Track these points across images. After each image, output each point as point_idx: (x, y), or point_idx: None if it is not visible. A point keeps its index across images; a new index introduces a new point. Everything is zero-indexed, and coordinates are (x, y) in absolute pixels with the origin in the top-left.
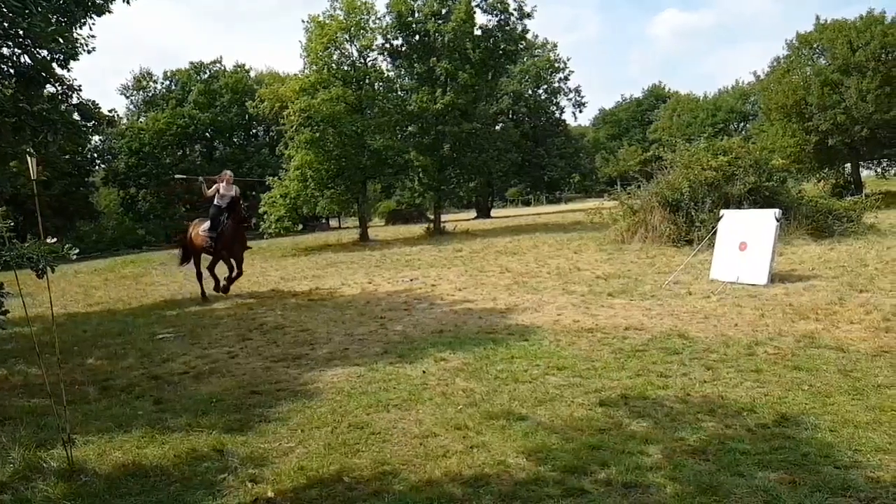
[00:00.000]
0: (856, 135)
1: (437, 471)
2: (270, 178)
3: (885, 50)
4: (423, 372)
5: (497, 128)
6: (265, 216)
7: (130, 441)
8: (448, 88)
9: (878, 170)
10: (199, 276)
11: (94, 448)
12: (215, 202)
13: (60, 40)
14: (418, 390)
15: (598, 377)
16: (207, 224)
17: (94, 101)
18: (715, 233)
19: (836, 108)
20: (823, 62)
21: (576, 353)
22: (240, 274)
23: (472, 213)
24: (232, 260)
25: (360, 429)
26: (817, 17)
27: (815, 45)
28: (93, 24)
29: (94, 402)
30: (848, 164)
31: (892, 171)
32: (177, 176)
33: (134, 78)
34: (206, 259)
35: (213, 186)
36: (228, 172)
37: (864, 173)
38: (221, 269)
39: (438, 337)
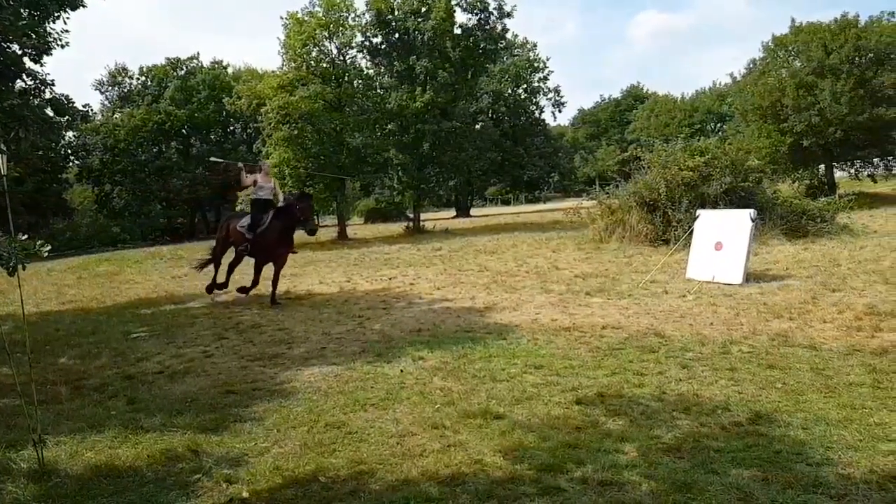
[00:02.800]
0: (830, 136)
1: (414, 470)
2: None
3: (859, 53)
4: (401, 371)
5: (477, 127)
6: None
7: (103, 441)
8: (428, 87)
9: (852, 171)
10: (211, 265)
11: (66, 449)
12: (255, 195)
13: (32, 34)
14: (396, 389)
15: (576, 376)
16: (247, 220)
17: (67, 96)
18: (691, 232)
19: (810, 110)
20: (798, 64)
21: (553, 351)
22: (255, 283)
23: (452, 212)
24: (266, 266)
25: (337, 428)
26: (792, 20)
27: (790, 48)
28: (67, 18)
29: (67, 402)
30: (822, 166)
31: (865, 173)
32: (212, 159)
33: (109, 73)
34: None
35: (251, 177)
36: (267, 163)
37: (838, 174)
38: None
39: (416, 336)
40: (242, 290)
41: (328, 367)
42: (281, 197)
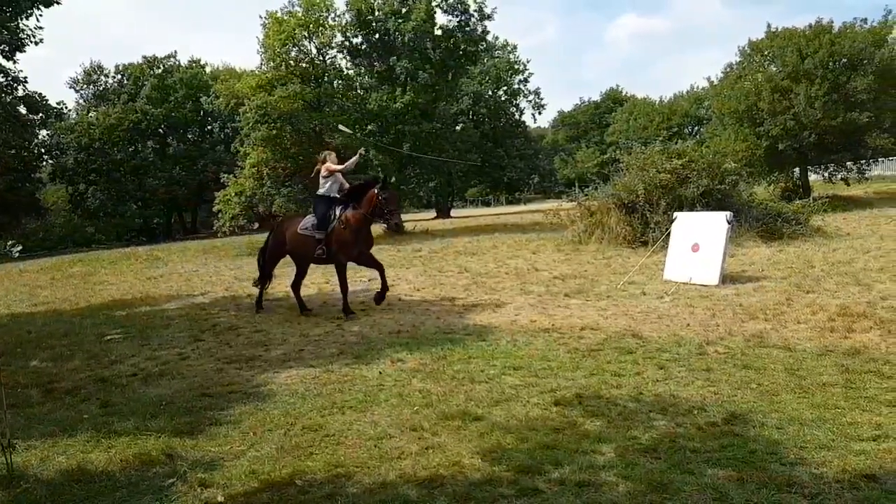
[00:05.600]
0: (804, 140)
1: (392, 473)
2: (226, 175)
3: (833, 58)
4: (380, 373)
5: (457, 128)
6: (220, 214)
7: (75, 446)
8: (408, 88)
9: (826, 174)
10: (297, 286)
11: (37, 453)
12: (320, 191)
13: (4, 31)
14: (374, 391)
15: (554, 377)
16: (311, 220)
17: (41, 94)
18: (669, 234)
19: (785, 114)
20: (774, 69)
21: (532, 352)
22: (385, 287)
23: (432, 213)
24: (366, 267)
25: (314, 431)
26: (768, 25)
27: (766, 53)
28: (40, 15)
29: (38, 405)
30: (797, 169)
31: (839, 176)
32: (340, 127)
33: (84, 71)
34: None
35: (315, 168)
36: (333, 154)
37: (812, 177)
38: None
39: (395, 338)
40: (379, 298)
41: (306, 370)
42: (346, 187)
